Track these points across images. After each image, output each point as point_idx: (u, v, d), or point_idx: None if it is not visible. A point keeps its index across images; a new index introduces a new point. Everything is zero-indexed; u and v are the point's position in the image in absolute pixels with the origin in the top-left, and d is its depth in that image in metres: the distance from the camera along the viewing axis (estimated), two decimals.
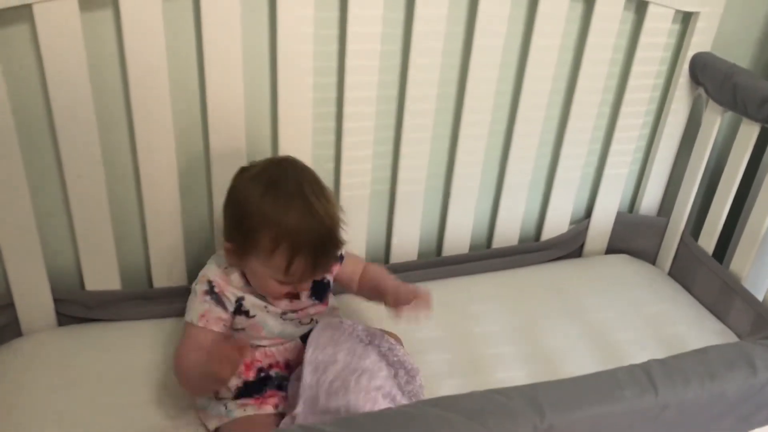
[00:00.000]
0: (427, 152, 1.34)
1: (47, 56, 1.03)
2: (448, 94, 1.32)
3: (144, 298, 1.27)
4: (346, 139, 1.27)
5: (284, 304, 1.04)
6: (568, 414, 0.64)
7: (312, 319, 1.08)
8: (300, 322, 1.07)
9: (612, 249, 1.60)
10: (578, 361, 1.24)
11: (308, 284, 1.02)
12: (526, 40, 1.31)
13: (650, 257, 1.59)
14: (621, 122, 1.45)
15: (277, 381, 1.05)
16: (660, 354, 0.72)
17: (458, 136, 1.34)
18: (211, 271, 1.03)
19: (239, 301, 1.02)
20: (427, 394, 1.06)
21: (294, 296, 1.03)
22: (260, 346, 1.05)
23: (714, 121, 1.41)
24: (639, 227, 1.57)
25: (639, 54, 1.38)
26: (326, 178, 1.31)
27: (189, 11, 1.10)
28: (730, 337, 1.35)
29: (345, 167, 1.29)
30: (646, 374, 0.68)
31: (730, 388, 0.69)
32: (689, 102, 1.45)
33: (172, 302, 1.26)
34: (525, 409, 0.64)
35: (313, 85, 1.20)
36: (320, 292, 1.08)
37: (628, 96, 1.42)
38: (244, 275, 1.03)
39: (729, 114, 1.40)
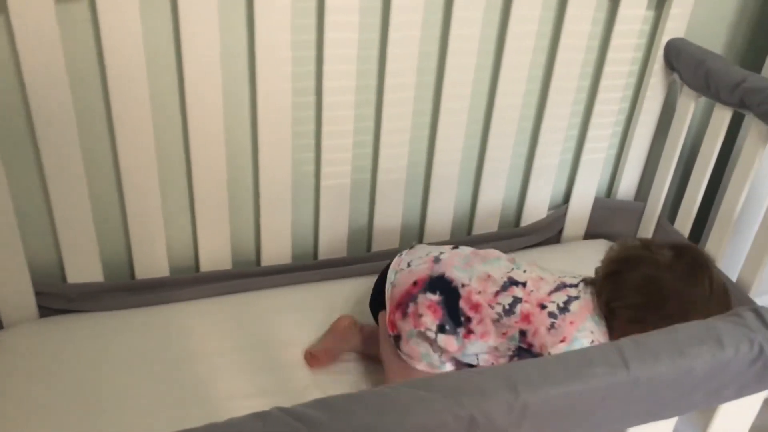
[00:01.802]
0: (407, 141, 1.35)
1: (23, 50, 1.03)
2: (426, 83, 1.33)
3: (126, 290, 1.27)
4: (326, 128, 1.27)
5: None
6: (542, 392, 0.66)
7: None
8: None
9: (590, 234, 1.62)
10: None
11: None
12: (503, 28, 1.32)
13: None
14: (597, 108, 1.47)
15: None
16: None
17: (437, 125, 1.36)
18: (603, 338, 1.02)
19: None
20: None
21: None
22: None
23: (688, 107, 1.43)
24: (617, 212, 1.59)
25: (614, 41, 1.40)
26: (306, 169, 1.32)
27: (166, 5, 1.11)
28: None
29: (325, 156, 1.30)
30: (617, 351, 0.70)
31: (698, 363, 0.70)
32: (664, 88, 1.47)
33: (154, 292, 1.27)
34: (500, 388, 0.66)
35: (291, 75, 1.21)
36: None
37: (604, 82, 1.44)
38: None
39: (703, 99, 1.42)
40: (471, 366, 1.06)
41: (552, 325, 1.00)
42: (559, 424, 0.69)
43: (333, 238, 1.39)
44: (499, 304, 1.02)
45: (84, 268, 1.23)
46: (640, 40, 1.44)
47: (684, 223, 1.48)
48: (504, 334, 1.02)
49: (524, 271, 1.07)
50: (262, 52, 1.16)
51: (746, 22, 1.53)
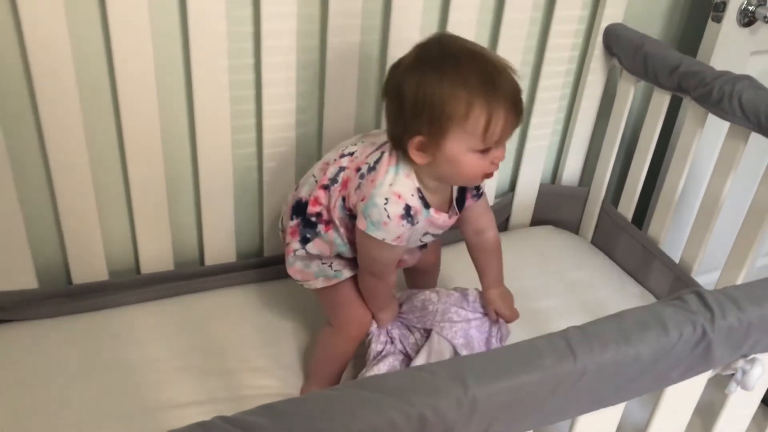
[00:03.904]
0: (352, 133, 1.33)
1: None
2: (368, 74, 1.31)
3: (63, 296, 1.22)
4: (267, 122, 1.24)
5: (443, 219, 1.03)
6: (491, 385, 0.65)
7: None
8: (421, 240, 1.09)
9: (537, 221, 1.63)
10: None
11: (504, 152, 0.99)
12: (444, 17, 1.31)
13: (573, 227, 1.63)
14: (540, 95, 1.47)
15: None
16: (584, 320, 0.73)
17: (381, 115, 1.34)
18: (402, 187, 0.97)
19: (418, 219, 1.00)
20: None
21: (489, 176, 1.00)
22: None
23: (628, 91, 1.44)
24: (562, 198, 1.61)
25: (554, 27, 1.40)
26: (248, 164, 1.29)
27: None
28: (649, 300, 1.40)
29: (267, 150, 1.27)
30: (564, 341, 0.69)
31: (644, 349, 0.71)
32: (604, 73, 1.49)
33: (93, 297, 1.22)
34: (449, 384, 0.65)
35: (229, 67, 1.17)
36: (459, 205, 1.08)
37: (545, 69, 1.44)
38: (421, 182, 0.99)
39: (642, 83, 1.44)
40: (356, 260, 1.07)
41: (359, 186, 1.00)
42: (510, 416, 0.68)
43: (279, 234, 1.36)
44: (329, 178, 1.03)
45: (16, 274, 1.17)
46: (579, 26, 1.45)
47: (627, 207, 1.50)
48: (334, 206, 1.03)
49: (362, 142, 1.05)
50: (196, 44, 1.12)
51: (681, 6, 1.56)
